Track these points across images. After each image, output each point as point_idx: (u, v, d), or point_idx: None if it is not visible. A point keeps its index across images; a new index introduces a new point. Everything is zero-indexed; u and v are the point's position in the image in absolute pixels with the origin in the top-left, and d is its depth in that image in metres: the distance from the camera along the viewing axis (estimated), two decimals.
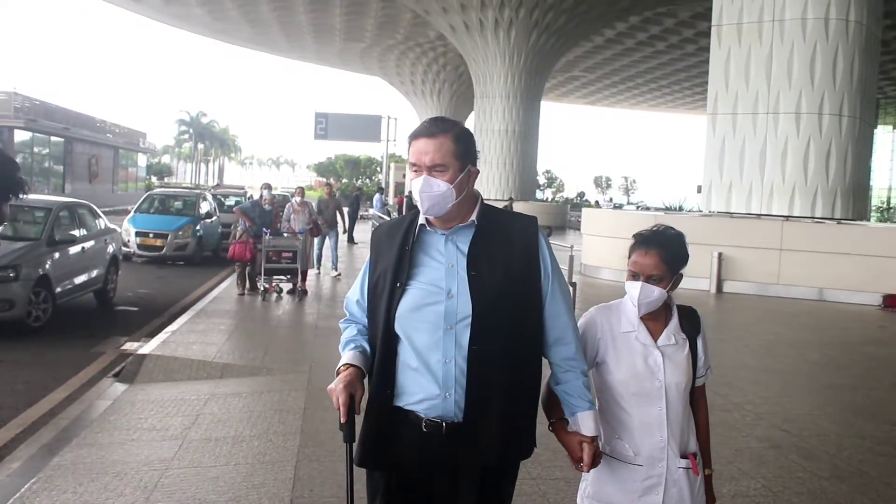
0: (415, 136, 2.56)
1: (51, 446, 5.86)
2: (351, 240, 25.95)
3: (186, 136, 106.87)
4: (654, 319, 2.83)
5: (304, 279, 14.00)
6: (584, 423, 2.64)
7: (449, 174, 2.51)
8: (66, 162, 48.03)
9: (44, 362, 8.70)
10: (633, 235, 2.88)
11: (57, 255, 10.79)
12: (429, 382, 2.51)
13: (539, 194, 67.57)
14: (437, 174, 2.50)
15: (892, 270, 15.52)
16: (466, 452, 2.51)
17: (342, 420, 2.47)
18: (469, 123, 52.09)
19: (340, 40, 53.13)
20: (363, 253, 19.97)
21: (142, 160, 65.35)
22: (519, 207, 40.03)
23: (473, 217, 2.59)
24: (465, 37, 40.10)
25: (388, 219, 3.13)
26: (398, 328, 2.55)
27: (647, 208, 44.95)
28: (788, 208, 17.62)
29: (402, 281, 2.56)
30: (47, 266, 10.44)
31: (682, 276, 2.82)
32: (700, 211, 20.25)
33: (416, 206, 2.63)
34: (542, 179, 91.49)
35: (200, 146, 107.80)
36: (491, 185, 41.26)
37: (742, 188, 18.25)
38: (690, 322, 2.88)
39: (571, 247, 14.14)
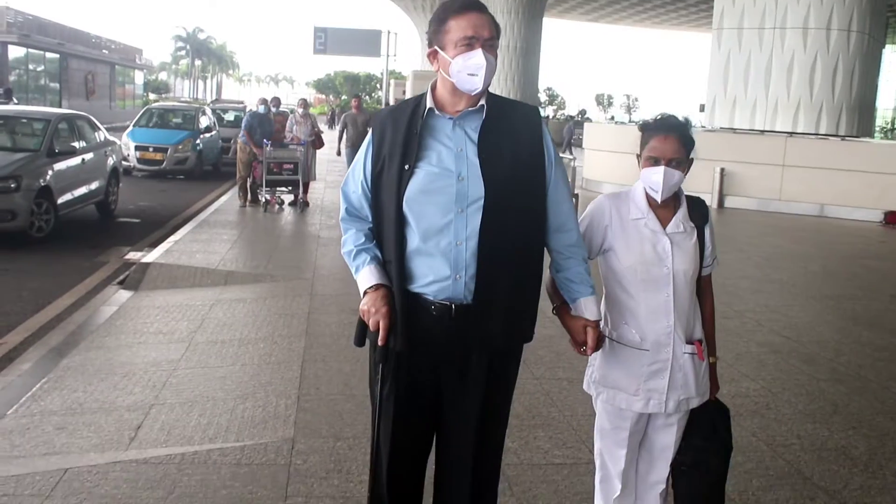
0: (465, 7, 2.53)
1: (59, 349, 5.93)
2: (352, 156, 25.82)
3: (183, 52, 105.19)
4: (663, 207, 2.84)
5: (305, 191, 13.96)
6: (588, 307, 2.69)
7: (495, 51, 2.54)
8: (62, 79, 47.39)
9: (48, 271, 8.73)
10: (643, 124, 2.89)
11: (57, 166, 10.72)
12: (440, 265, 2.51)
13: (540, 112, 66.93)
14: (489, 49, 2.50)
15: (894, 187, 15.48)
16: (476, 334, 2.53)
17: (381, 342, 2.49)
18: None
19: None
20: None
21: (139, 77, 64.49)
22: None
23: (483, 101, 2.56)
24: None
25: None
26: (406, 210, 2.52)
27: None
28: (792, 124, 17.50)
29: (411, 163, 2.52)
30: (48, 177, 10.38)
31: (693, 160, 2.84)
32: (703, 127, 20.10)
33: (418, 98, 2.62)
34: (543, 97, 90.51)
35: (198, 63, 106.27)
36: None
37: (746, 104, 18.09)
38: (699, 211, 2.90)
39: (574, 158, 14.08)
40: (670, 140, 2.78)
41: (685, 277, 2.80)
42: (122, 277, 8.35)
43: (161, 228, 11.72)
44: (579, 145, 27.33)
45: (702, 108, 22.51)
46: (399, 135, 2.56)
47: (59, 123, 11.45)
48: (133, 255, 9.52)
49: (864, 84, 17.77)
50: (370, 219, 2.67)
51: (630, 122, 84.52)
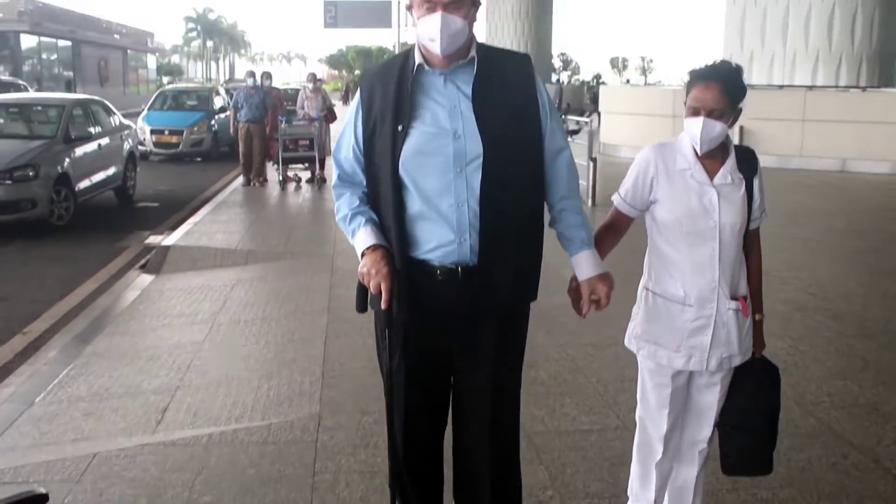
0: None
1: (84, 335, 5.97)
2: None
3: (194, 33, 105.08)
4: (711, 158, 2.74)
5: (322, 166, 13.83)
6: (578, 264, 2.64)
7: (464, 10, 2.39)
8: (76, 66, 47.49)
9: (71, 258, 8.78)
10: (690, 71, 2.77)
11: (74, 152, 10.73)
12: (442, 228, 2.43)
13: (554, 77, 66.40)
14: (454, 10, 2.36)
15: None
16: (484, 296, 2.47)
17: (384, 306, 2.39)
18: (482, 6, 50.95)
19: None
20: None
21: (151, 61, 64.51)
22: None
23: (473, 52, 2.47)
24: None
25: None
26: (403, 174, 2.44)
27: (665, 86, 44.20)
28: (812, 77, 17.22)
29: (405, 124, 2.42)
30: (66, 164, 10.40)
31: (741, 110, 2.72)
32: None
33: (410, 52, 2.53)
34: (557, 62, 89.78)
35: (209, 44, 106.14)
36: None
37: (763, 58, 17.82)
38: (748, 162, 2.78)
39: (590, 120, 13.93)
40: (711, 89, 2.66)
41: (732, 231, 2.72)
42: (143, 261, 8.38)
43: (180, 211, 11.75)
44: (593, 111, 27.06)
45: None
46: (389, 94, 2.46)
47: (74, 109, 11.46)
48: (153, 239, 9.55)
49: (884, 32, 17.43)
50: (364, 183, 2.58)
51: (646, 83, 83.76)
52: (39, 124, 11.36)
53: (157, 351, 5.52)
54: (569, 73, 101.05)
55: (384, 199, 2.49)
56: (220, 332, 5.86)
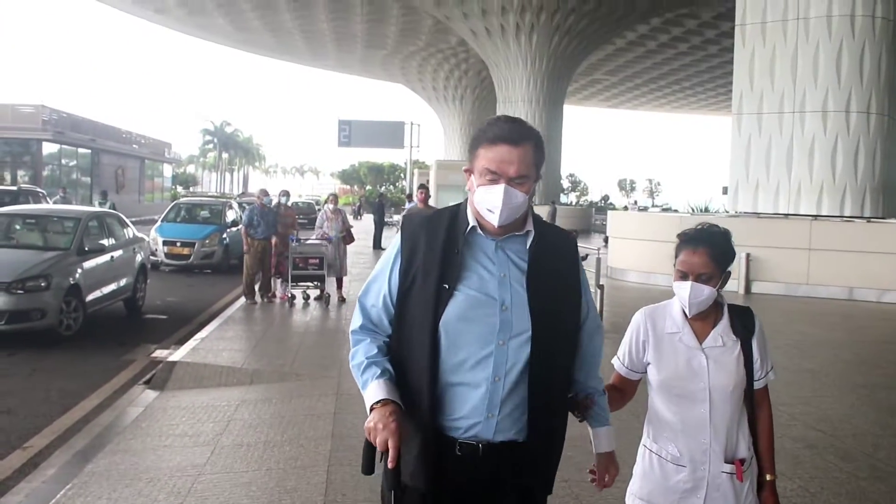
0: (493, 139, 2.32)
1: (85, 453, 5.91)
2: (378, 245, 26.10)
3: (211, 145, 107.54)
4: (703, 320, 2.76)
5: (340, 286, 13.98)
6: (598, 437, 2.64)
7: (527, 185, 2.33)
8: (94, 173, 48.59)
9: (76, 370, 8.77)
10: (678, 235, 2.81)
11: (87, 264, 10.88)
12: (474, 401, 2.32)
13: (563, 198, 67.36)
14: (517, 186, 2.30)
15: None
16: (511, 473, 2.37)
17: (390, 465, 2.21)
18: None
19: (362, 48, 53.36)
20: None
21: (167, 170, 65.90)
22: (543, 212, 40.01)
23: (530, 227, 2.42)
24: (487, 42, 40.15)
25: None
26: (442, 336, 2.32)
27: (674, 210, 44.70)
28: (817, 207, 17.45)
29: (451, 284, 2.32)
30: (77, 275, 10.54)
31: (730, 273, 2.76)
32: (726, 212, 20.10)
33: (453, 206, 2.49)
34: (565, 183, 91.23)
35: (225, 155, 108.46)
36: None
37: (769, 188, 18.11)
38: (743, 322, 2.78)
39: (599, 249, 14.07)
40: (699, 254, 2.70)
41: (724, 393, 2.70)
42: (148, 377, 8.35)
43: (188, 325, 11.78)
44: (601, 231, 27.31)
45: (724, 191, 22.53)
46: (436, 250, 2.36)
47: (90, 221, 11.67)
48: (160, 353, 9.55)
49: (886, 165, 17.76)
50: (387, 334, 2.46)
51: (654, 206, 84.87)
52: (55, 235, 11.55)
53: (157, 473, 5.45)
54: (577, 193, 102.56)
55: (417, 359, 2.35)
56: (223, 455, 5.80)
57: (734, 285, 16.09)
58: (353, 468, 5.37)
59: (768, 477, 2.79)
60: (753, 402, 2.79)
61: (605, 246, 19.70)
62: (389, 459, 2.20)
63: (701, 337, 2.74)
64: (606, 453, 2.65)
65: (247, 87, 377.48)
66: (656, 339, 2.78)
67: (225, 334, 10.55)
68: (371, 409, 2.29)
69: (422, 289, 2.35)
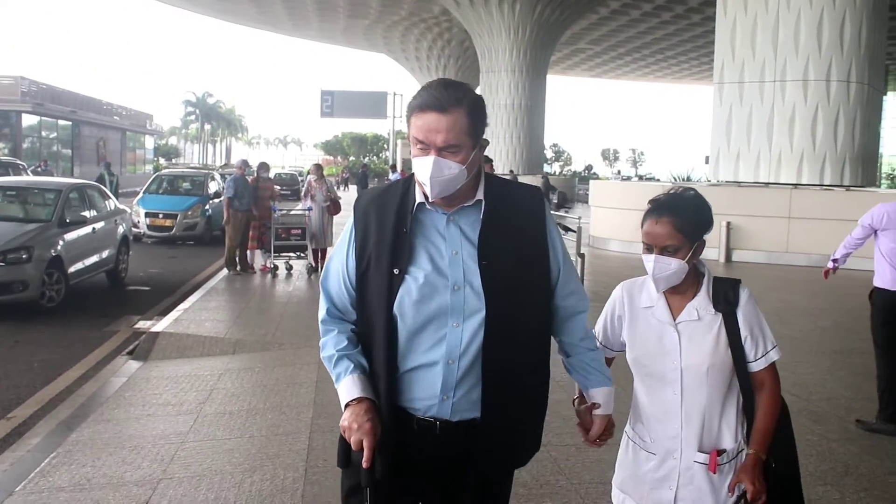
0: (420, 107, 2.17)
1: (69, 422, 5.95)
2: None
3: (193, 117, 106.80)
4: (682, 294, 2.51)
5: (323, 257, 13.85)
6: (598, 397, 2.44)
7: (462, 154, 2.17)
8: (75, 145, 48.23)
9: (59, 342, 8.79)
10: (649, 201, 2.56)
11: (68, 235, 10.86)
12: (428, 384, 2.24)
13: (546, 168, 67.44)
14: (449, 155, 2.15)
15: None
16: (464, 456, 2.26)
17: (365, 465, 2.16)
18: None
19: (344, 17, 52.88)
20: None
21: (149, 142, 65.49)
22: (526, 181, 39.98)
23: (480, 195, 2.26)
24: (470, 11, 39.90)
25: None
26: (398, 321, 2.23)
27: (656, 180, 44.86)
28: (797, 176, 17.60)
29: (402, 267, 2.22)
30: (59, 247, 10.51)
31: (704, 242, 2.50)
32: (708, 181, 20.21)
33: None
34: (549, 153, 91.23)
35: (207, 127, 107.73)
36: (498, 160, 41.11)
37: (750, 157, 18.22)
38: (725, 295, 2.50)
39: (579, 218, 14.14)
40: (662, 223, 2.45)
41: (698, 374, 2.45)
42: (131, 347, 8.39)
43: (170, 296, 11.80)
44: (584, 201, 27.39)
45: (707, 160, 22.64)
46: (386, 231, 2.26)
47: (71, 193, 11.63)
48: (142, 325, 9.58)
49: (866, 134, 17.91)
50: (353, 320, 2.37)
51: (636, 176, 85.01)
52: (36, 206, 11.51)
53: (141, 441, 5.51)
54: (560, 163, 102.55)
55: (376, 344, 2.27)
56: (206, 423, 5.86)
57: (714, 254, 16.22)
58: (333, 435, 5.39)
59: (752, 450, 2.47)
60: (752, 386, 2.51)
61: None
62: (364, 459, 2.15)
63: (676, 312, 2.51)
64: (601, 416, 2.45)
65: (229, 59, 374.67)
66: (632, 314, 2.58)
67: (207, 305, 10.59)
68: (346, 407, 2.23)
69: (375, 273, 2.27)
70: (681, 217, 2.45)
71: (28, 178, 18.62)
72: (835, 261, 6.48)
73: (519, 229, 2.28)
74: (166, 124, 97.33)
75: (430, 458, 2.27)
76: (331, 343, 2.33)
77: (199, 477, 4.81)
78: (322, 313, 2.39)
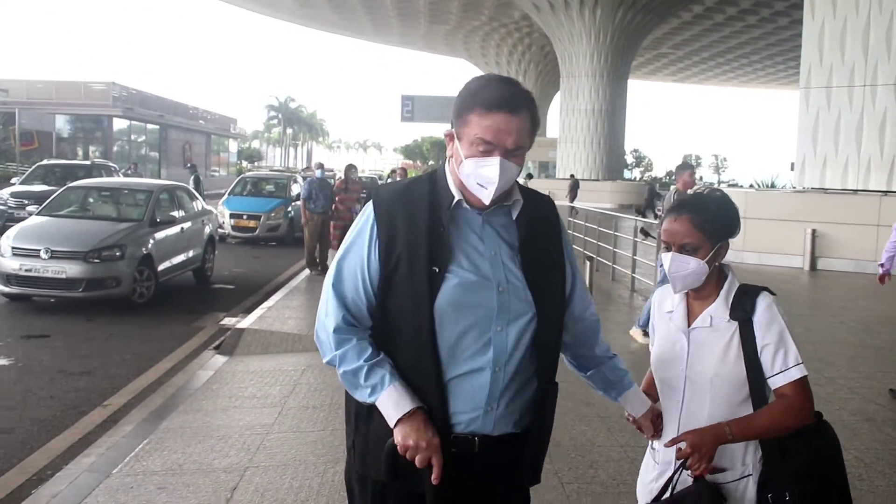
0: (488, 106, 2.03)
1: (160, 411, 6.21)
2: None
3: (275, 121, 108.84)
4: (703, 299, 2.41)
5: None
6: (630, 400, 2.46)
7: (522, 156, 2.09)
8: (162, 148, 49.84)
9: (149, 336, 9.13)
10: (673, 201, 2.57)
11: (158, 235, 11.27)
12: (473, 394, 2.08)
13: (627, 173, 66.75)
14: (513, 157, 2.06)
15: None
16: (500, 470, 2.16)
17: (435, 481, 2.00)
18: (555, 103, 51.77)
19: (425, 23, 53.39)
20: None
21: (233, 145, 67.23)
22: (606, 187, 39.63)
23: (517, 195, 2.17)
24: (550, 16, 39.86)
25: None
26: (438, 325, 2.05)
27: (739, 186, 43.96)
28: (887, 183, 17.07)
29: (442, 266, 2.05)
30: (149, 245, 10.92)
31: (727, 245, 2.40)
32: (793, 187, 19.77)
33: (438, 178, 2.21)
34: (629, 158, 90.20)
35: (289, 131, 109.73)
36: (578, 165, 41.01)
37: (837, 163, 17.75)
38: (741, 302, 2.35)
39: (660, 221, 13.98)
40: (680, 221, 2.37)
41: (702, 382, 2.35)
42: (217, 343, 8.67)
43: (254, 295, 12.13)
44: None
45: (792, 167, 22.16)
46: (419, 228, 2.09)
47: (161, 194, 12.06)
48: (228, 321, 9.89)
49: None
50: (369, 326, 2.16)
51: (720, 182, 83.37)
52: (128, 207, 11.97)
53: (228, 431, 5.71)
54: (641, 169, 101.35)
55: (410, 351, 2.09)
56: (289, 416, 6.05)
57: (799, 262, 15.88)
58: None
59: (728, 429, 2.27)
60: (766, 403, 2.34)
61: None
62: (434, 477, 2.00)
63: (693, 318, 2.41)
64: (643, 416, 2.47)
65: (311, 64, 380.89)
66: (658, 318, 2.53)
67: (290, 303, 10.85)
68: (397, 424, 2.02)
69: (408, 273, 2.07)
70: (700, 215, 2.36)
71: (121, 179, 19.32)
72: (882, 265, 6.94)
73: (545, 235, 2.22)
74: (249, 128, 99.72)
75: (464, 477, 2.10)
76: (353, 354, 2.09)
77: (283, 466, 4.98)
78: (333, 322, 2.13)
